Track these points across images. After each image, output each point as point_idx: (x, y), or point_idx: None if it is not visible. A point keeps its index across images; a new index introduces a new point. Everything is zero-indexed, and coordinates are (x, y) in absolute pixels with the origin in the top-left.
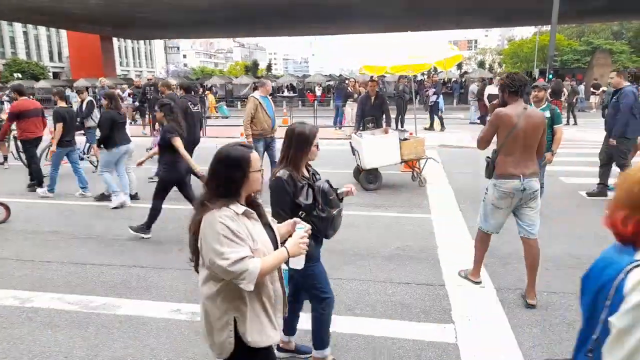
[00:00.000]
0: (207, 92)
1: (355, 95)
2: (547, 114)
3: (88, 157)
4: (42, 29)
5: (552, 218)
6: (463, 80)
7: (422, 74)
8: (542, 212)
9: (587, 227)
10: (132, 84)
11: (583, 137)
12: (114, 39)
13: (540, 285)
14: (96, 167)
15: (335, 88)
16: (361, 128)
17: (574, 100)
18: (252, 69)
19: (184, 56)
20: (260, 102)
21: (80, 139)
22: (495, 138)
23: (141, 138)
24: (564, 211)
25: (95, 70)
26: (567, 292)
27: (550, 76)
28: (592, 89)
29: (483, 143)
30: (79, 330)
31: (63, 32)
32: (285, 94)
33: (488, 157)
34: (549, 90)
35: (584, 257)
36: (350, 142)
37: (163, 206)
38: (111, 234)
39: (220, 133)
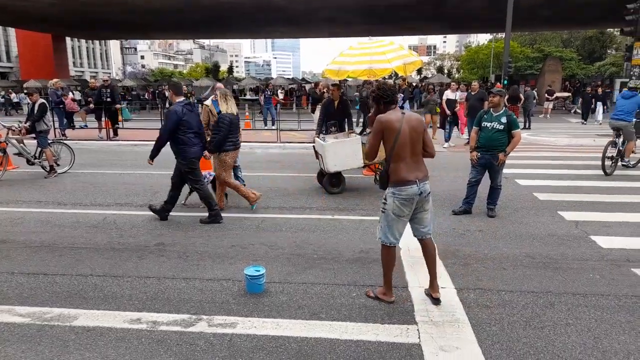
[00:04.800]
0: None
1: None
2: (504, 119)
3: (39, 162)
4: None
5: (508, 219)
6: (423, 85)
7: (384, 79)
8: (499, 214)
9: (541, 227)
10: (87, 85)
11: (537, 140)
12: (67, 39)
13: (499, 285)
14: (48, 172)
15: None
16: (324, 132)
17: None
18: (213, 71)
19: (142, 57)
20: (211, 109)
21: (30, 143)
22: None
23: (99, 142)
24: (519, 212)
25: (47, 70)
26: (524, 290)
27: (505, 82)
28: (546, 95)
29: (372, 154)
30: (32, 344)
31: (11, 30)
32: (248, 97)
33: (379, 169)
34: (506, 96)
35: (538, 256)
36: (313, 146)
37: (117, 213)
38: (65, 242)
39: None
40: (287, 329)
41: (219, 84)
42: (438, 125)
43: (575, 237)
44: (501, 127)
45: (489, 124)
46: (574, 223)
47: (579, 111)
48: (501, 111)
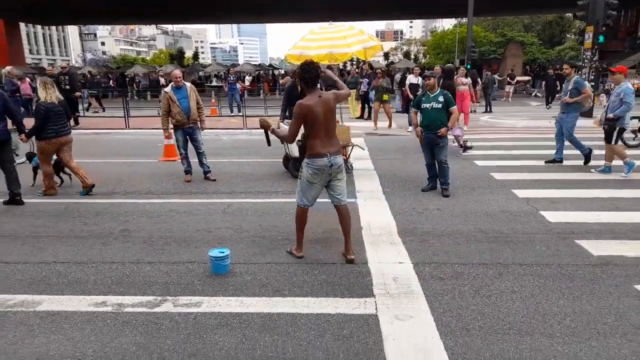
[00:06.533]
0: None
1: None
2: (441, 98)
3: None
4: None
5: (465, 198)
6: (390, 70)
7: (351, 64)
8: (456, 192)
9: (495, 205)
10: (44, 73)
11: (497, 123)
12: (21, 25)
13: (452, 259)
14: None
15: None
16: (288, 116)
17: (490, 89)
18: (177, 57)
19: (102, 43)
20: (170, 96)
21: None
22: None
23: None
24: (475, 191)
25: (0, 58)
26: (475, 262)
27: (468, 66)
28: (508, 79)
29: (292, 137)
30: None
31: None
32: (214, 83)
33: (299, 140)
34: (467, 78)
35: (491, 232)
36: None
37: (79, 201)
38: (26, 232)
39: None
40: (251, 305)
41: (175, 71)
42: (396, 109)
43: (525, 212)
44: (439, 105)
45: (427, 105)
46: (525, 200)
47: (539, 95)
48: (437, 92)
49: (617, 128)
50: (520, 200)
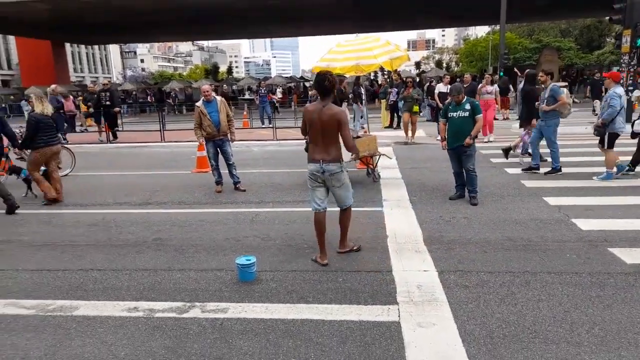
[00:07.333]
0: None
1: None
2: (468, 106)
3: None
4: None
5: (494, 205)
6: (421, 79)
7: (382, 74)
8: (484, 201)
9: (525, 213)
10: (86, 90)
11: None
12: (67, 45)
13: (479, 267)
14: None
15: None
16: None
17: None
18: (212, 72)
19: (142, 60)
20: (202, 110)
21: None
22: None
23: (99, 145)
24: (505, 199)
25: (48, 77)
26: (502, 270)
27: (501, 74)
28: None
29: (302, 132)
30: (36, 332)
31: (11, 38)
32: (247, 96)
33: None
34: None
35: (520, 240)
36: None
37: (116, 212)
38: (66, 241)
39: None
40: (276, 312)
41: (204, 86)
42: (426, 118)
43: (556, 220)
44: (466, 114)
45: (454, 114)
46: (557, 207)
47: (577, 100)
48: (464, 100)
49: (607, 133)
50: (552, 207)
